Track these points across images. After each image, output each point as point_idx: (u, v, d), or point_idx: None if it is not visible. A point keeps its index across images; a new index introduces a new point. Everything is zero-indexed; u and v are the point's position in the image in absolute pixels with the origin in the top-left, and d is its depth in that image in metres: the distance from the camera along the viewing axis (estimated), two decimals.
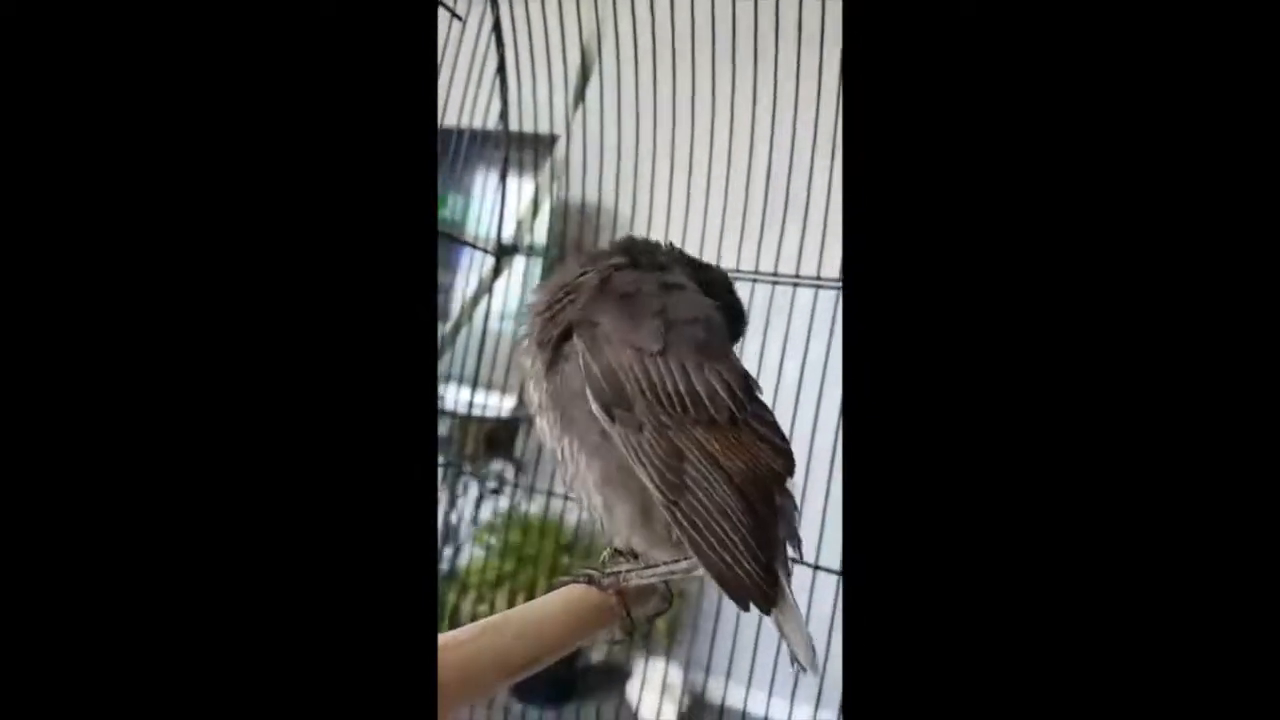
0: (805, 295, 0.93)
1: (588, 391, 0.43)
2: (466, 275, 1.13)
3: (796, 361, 0.89)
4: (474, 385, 1.17)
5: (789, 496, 0.45)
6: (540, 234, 1.25)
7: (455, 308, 1.15)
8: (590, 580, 0.45)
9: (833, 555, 0.86)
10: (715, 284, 0.51)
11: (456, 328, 1.11)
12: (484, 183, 1.13)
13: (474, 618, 0.36)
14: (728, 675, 1.26)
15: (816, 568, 0.87)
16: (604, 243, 0.55)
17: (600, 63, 1.02)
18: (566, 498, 1.06)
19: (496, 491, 1.55)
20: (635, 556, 0.48)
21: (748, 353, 0.50)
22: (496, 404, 1.51)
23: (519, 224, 1.13)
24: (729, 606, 1.10)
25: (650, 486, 0.42)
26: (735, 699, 1.28)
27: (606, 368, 0.43)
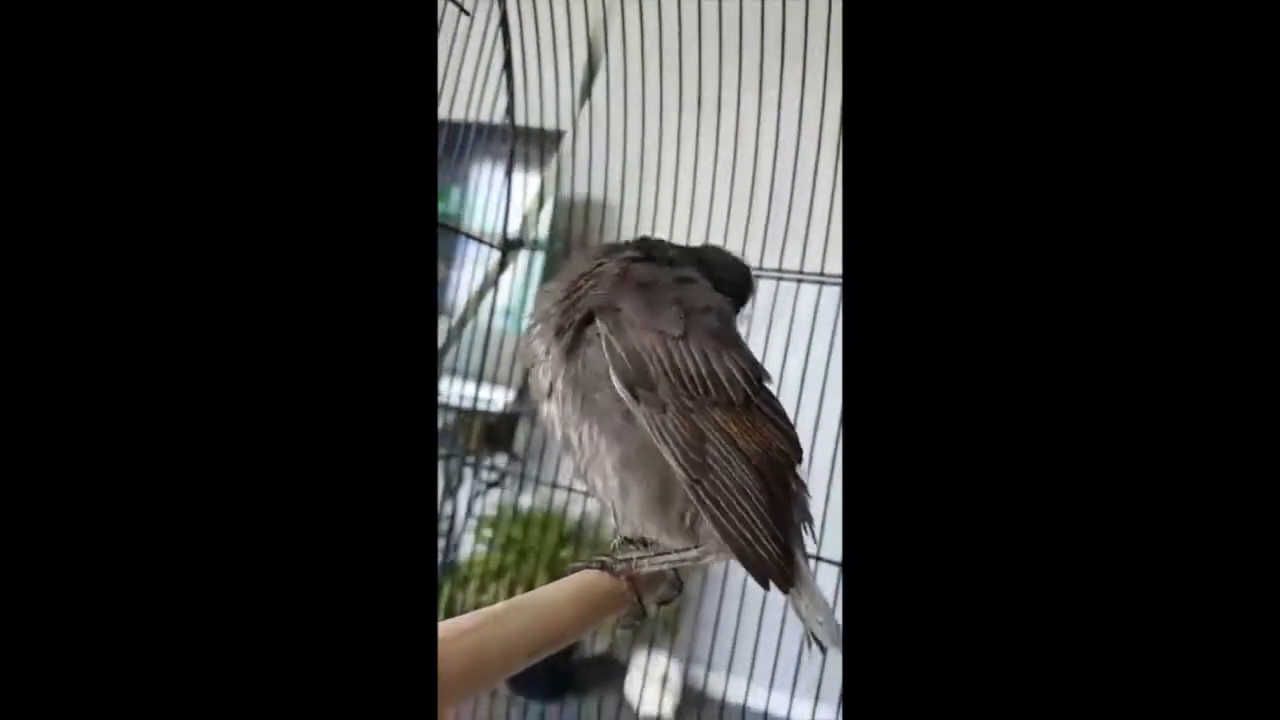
0: (808, 291, 0.94)
1: (612, 373, 0.44)
2: (471, 269, 1.13)
3: (799, 357, 0.90)
4: (478, 380, 1.18)
5: (800, 480, 0.46)
6: (545, 229, 1.26)
7: (460, 302, 1.15)
8: (603, 566, 0.46)
9: (833, 547, 0.87)
10: (711, 263, 0.53)
11: (462, 322, 1.11)
12: (489, 177, 1.13)
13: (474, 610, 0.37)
14: (728, 670, 1.27)
15: (818, 559, 0.87)
16: (609, 238, 0.57)
17: (607, 58, 1.02)
18: (570, 490, 1.07)
19: (496, 485, 1.55)
20: (645, 545, 0.49)
21: (750, 348, 0.51)
22: (499, 398, 1.52)
23: (524, 219, 1.14)
24: (729, 601, 1.10)
25: (675, 465, 0.43)
26: (735, 693, 1.29)
27: (630, 350, 0.44)
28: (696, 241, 0.58)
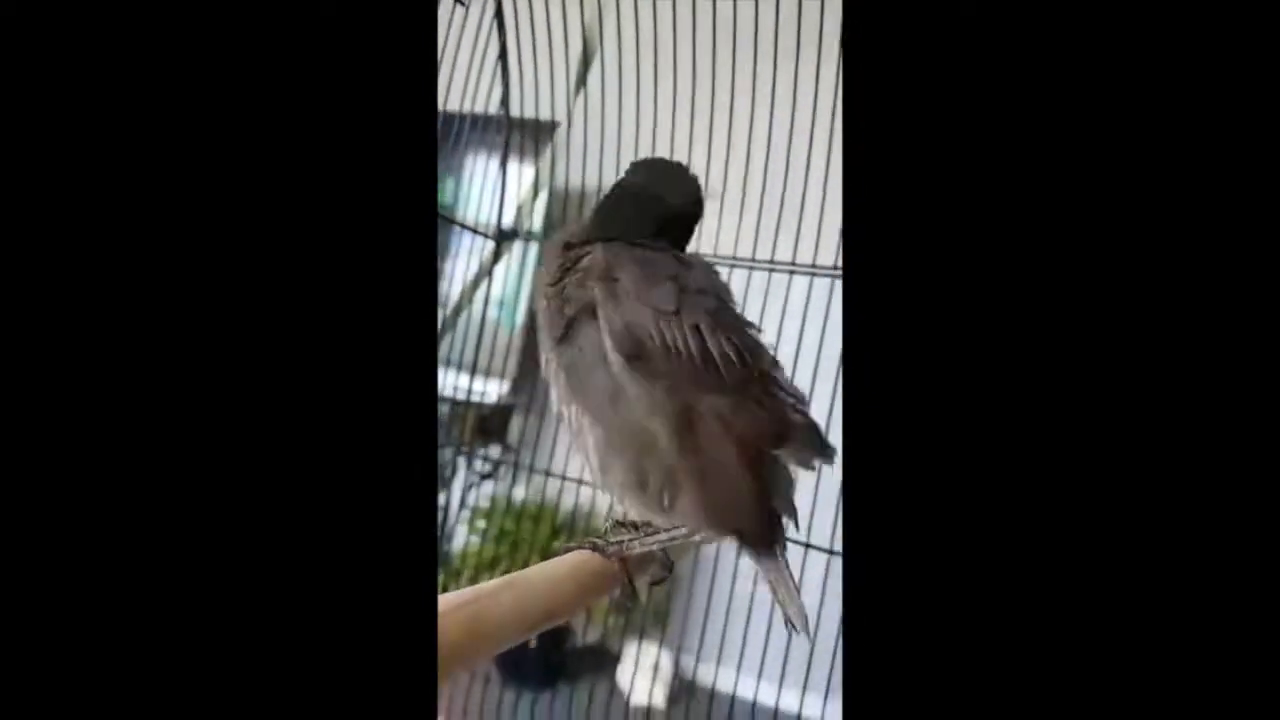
0: (800, 283, 0.95)
1: (608, 341, 0.45)
2: (466, 260, 1.13)
3: (799, 349, 0.91)
4: (472, 371, 1.18)
5: (787, 471, 0.47)
6: (539, 220, 1.26)
7: (454, 293, 1.15)
8: (595, 548, 0.47)
9: (823, 534, 0.88)
10: (651, 180, 0.53)
11: (456, 312, 1.12)
12: (484, 168, 1.14)
13: None
14: (718, 659, 1.28)
15: (808, 546, 0.88)
16: None
17: (601, 49, 1.02)
18: (563, 479, 1.07)
19: (489, 476, 1.56)
20: (636, 528, 0.50)
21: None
22: (492, 390, 1.52)
23: (518, 209, 1.14)
24: (719, 592, 1.11)
25: (662, 434, 0.44)
26: (725, 683, 1.30)
27: (627, 323, 0.45)
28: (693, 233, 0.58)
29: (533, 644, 1.54)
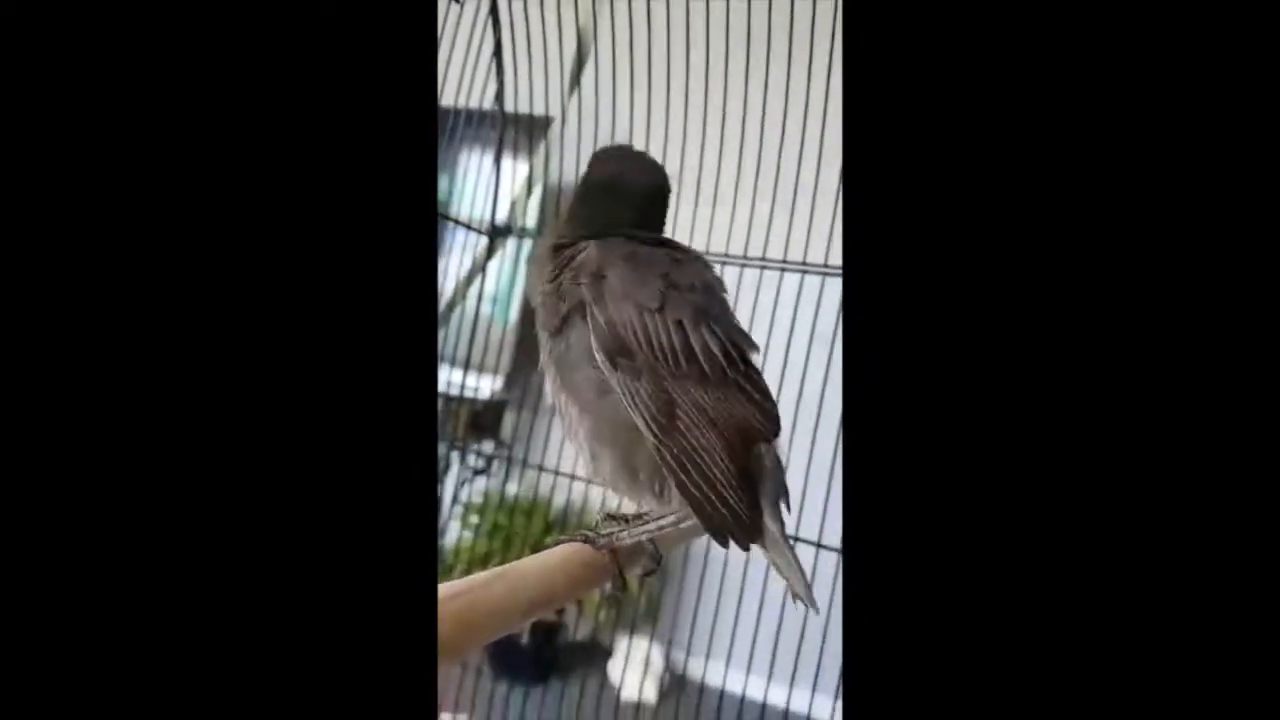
0: (792, 280, 0.96)
1: (593, 341, 0.46)
2: (459, 256, 1.14)
3: (789, 345, 0.91)
4: (465, 366, 1.19)
5: (775, 456, 0.48)
6: (533, 216, 1.26)
7: (448, 289, 1.16)
8: (586, 539, 0.47)
9: (810, 529, 0.89)
10: (620, 171, 0.53)
11: (449, 308, 1.12)
12: (478, 164, 1.14)
13: None
14: (708, 654, 1.29)
15: (820, 546, 0.90)
16: None
17: (596, 47, 1.03)
18: (556, 474, 1.08)
19: (482, 472, 1.56)
20: (628, 520, 0.51)
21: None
22: (486, 385, 1.52)
23: (512, 205, 1.15)
24: (709, 588, 1.12)
25: (644, 428, 0.45)
26: (715, 677, 1.31)
27: (610, 321, 0.46)
28: (683, 230, 0.59)
29: (524, 638, 1.54)
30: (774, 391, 0.49)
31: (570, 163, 1.11)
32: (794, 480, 0.60)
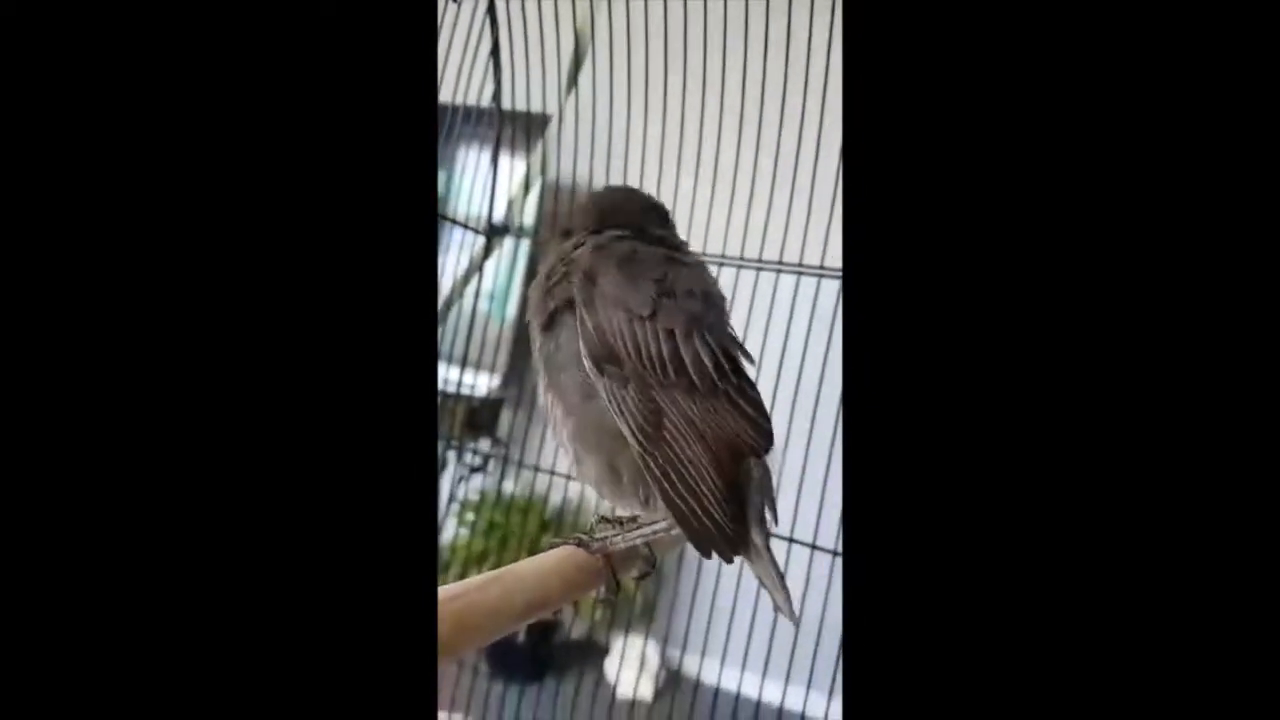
0: (788, 281, 0.96)
1: (582, 347, 0.46)
2: (456, 255, 1.14)
3: (785, 347, 0.92)
4: (462, 364, 1.19)
5: (764, 468, 0.48)
6: (530, 215, 1.26)
7: (445, 287, 1.16)
8: (580, 543, 0.48)
9: (828, 536, 0.90)
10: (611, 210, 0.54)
11: (446, 307, 1.12)
12: (475, 162, 1.14)
13: None
14: (703, 652, 1.30)
15: (814, 547, 0.90)
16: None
17: (593, 46, 1.03)
18: (552, 474, 1.08)
19: (479, 470, 1.56)
20: (622, 523, 0.51)
21: (749, 342, 0.52)
22: (482, 383, 1.53)
23: (509, 204, 1.15)
24: (705, 586, 1.12)
25: (629, 436, 0.45)
26: (710, 675, 1.32)
27: (599, 327, 0.46)
28: (680, 230, 0.59)
29: (521, 637, 1.55)
30: (769, 394, 0.49)
31: (568, 162, 1.11)
32: (789, 483, 0.60)
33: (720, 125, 0.96)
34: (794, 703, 0.99)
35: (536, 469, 1.14)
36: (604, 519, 0.53)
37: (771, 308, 0.92)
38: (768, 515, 0.48)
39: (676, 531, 0.47)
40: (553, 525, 1.52)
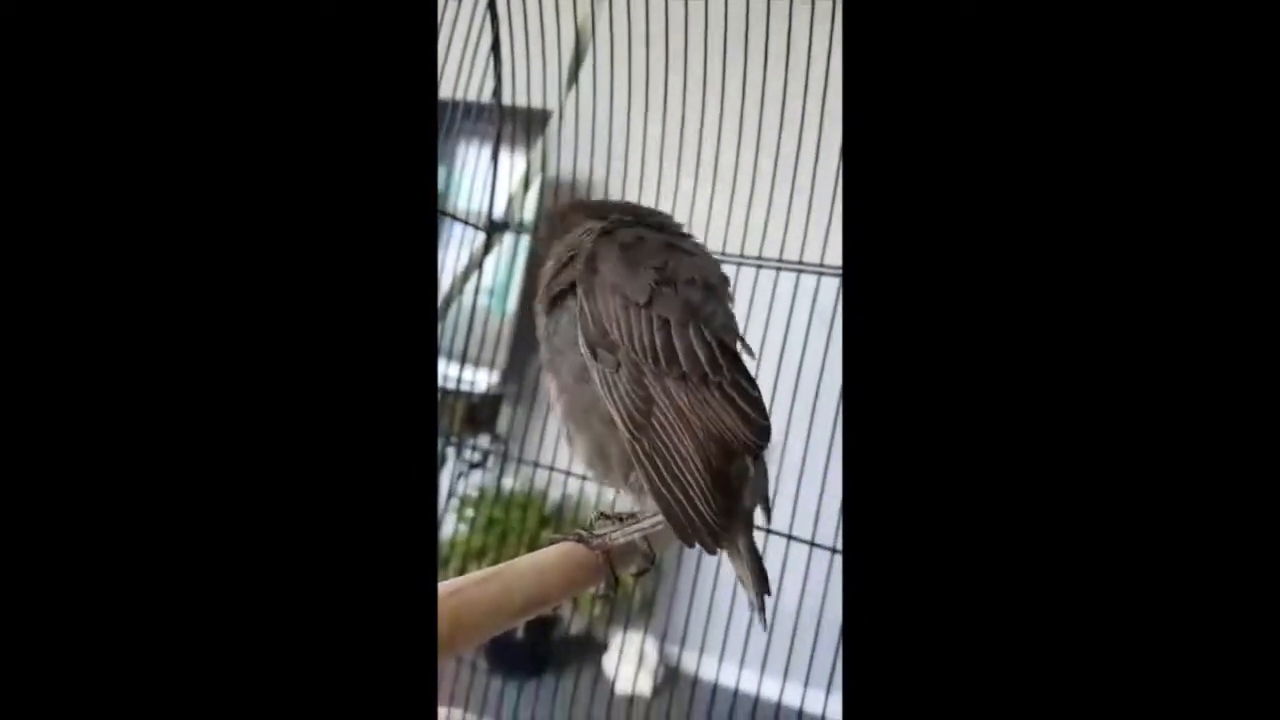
0: (789, 279, 0.96)
1: (579, 333, 0.46)
2: (456, 251, 1.14)
3: (784, 345, 0.92)
4: (462, 360, 1.19)
5: (761, 466, 0.47)
6: (530, 211, 1.26)
7: (444, 283, 1.16)
8: (580, 539, 0.48)
9: (827, 533, 0.90)
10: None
11: (447, 303, 1.12)
12: (475, 158, 1.14)
13: None
14: (702, 648, 1.30)
15: (813, 544, 0.90)
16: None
17: (594, 42, 1.03)
18: (551, 470, 1.08)
19: (478, 466, 1.57)
20: (621, 520, 0.51)
21: (750, 339, 0.52)
22: (482, 379, 1.53)
23: (509, 201, 1.15)
24: (704, 580, 1.12)
25: (618, 422, 0.45)
26: (709, 671, 1.32)
27: (596, 313, 0.46)
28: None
29: (520, 633, 1.55)
30: (769, 390, 0.48)
31: (568, 158, 1.11)
32: (788, 479, 0.60)
33: (721, 122, 0.96)
34: (792, 699, 0.99)
35: (536, 465, 1.14)
36: (604, 515, 0.53)
37: (771, 305, 0.92)
38: (759, 512, 0.48)
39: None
40: (552, 521, 1.52)
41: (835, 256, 0.65)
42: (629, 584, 0.51)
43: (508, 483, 1.55)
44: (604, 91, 1.01)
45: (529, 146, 1.15)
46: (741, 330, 0.52)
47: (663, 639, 1.65)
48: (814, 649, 0.89)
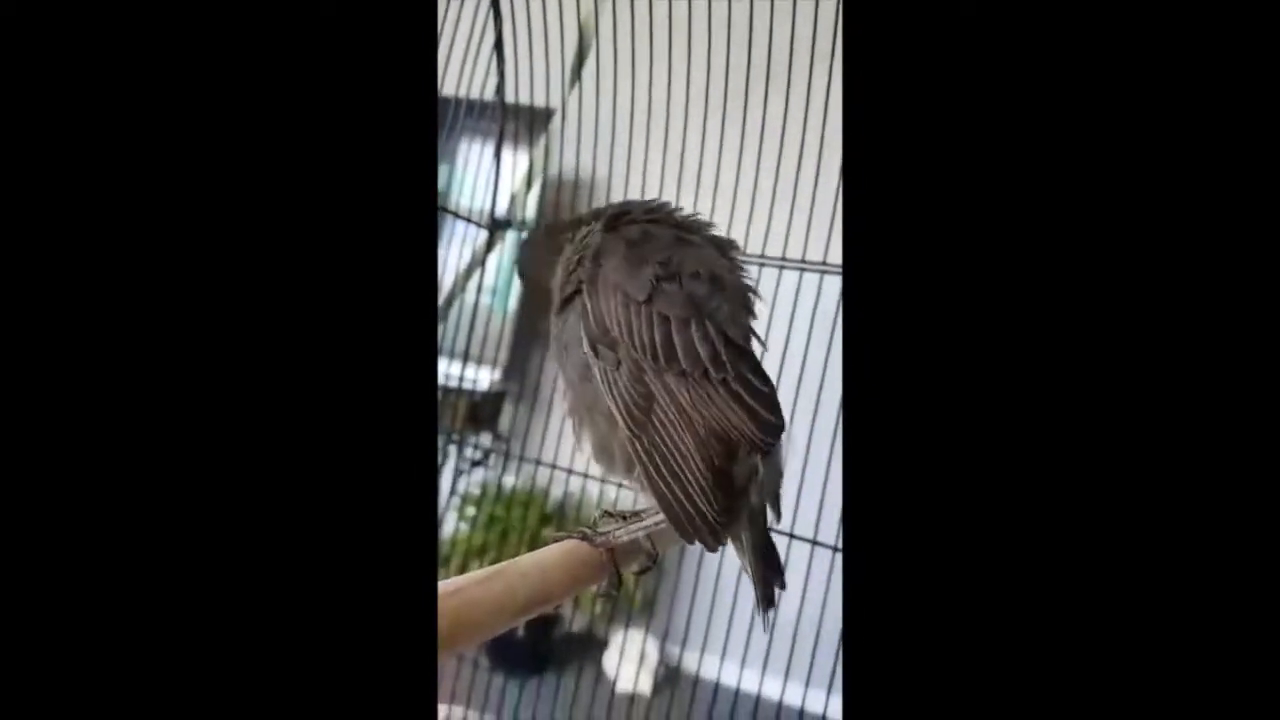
0: (792, 277, 0.96)
1: (581, 331, 0.46)
2: (459, 249, 1.14)
3: (787, 344, 0.92)
4: (464, 359, 1.19)
5: (772, 464, 0.47)
6: (533, 209, 1.26)
7: (447, 281, 1.16)
8: (584, 537, 0.48)
9: (829, 531, 0.90)
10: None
11: (449, 301, 1.12)
12: (478, 156, 1.14)
13: None
14: (703, 647, 1.30)
15: (815, 543, 0.90)
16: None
17: (597, 40, 1.02)
18: (553, 468, 1.08)
19: (480, 463, 1.57)
20: (625, 518, 0.51)
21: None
22: (484, 377, 1.53)
23: (512, 198, 1.14)
24: (705, 579, 1.12)
25: (618, 417, 0.45)
26: (710, 670, 1.32)
27: (597, 310, 0.46)
28: None
29: (521, 631, 1.55)
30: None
31: (571, 156, 1.11)
32: (790, 478, 0.60)
33: (723, 121, 0.96)
34: (793, 698, 0.99)
35: (537, 463, 1.14)
36: (607, 513, 0.53)
37: (774, 304, 0.92)
38: (769, 511, 0.47)
39: None
40: (554, 519, 1.52)
41: (838, 255, 0.65)
42: (630, 583, 0.51)
43: (509, 481, 1.55)
44: (607, 89, 1.01)
45: (532, 144, 1.15)
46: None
47: (664, 638, 1.65)
48: (815, 649, 0.89)
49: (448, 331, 1.18)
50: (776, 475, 0.47)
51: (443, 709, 1.15)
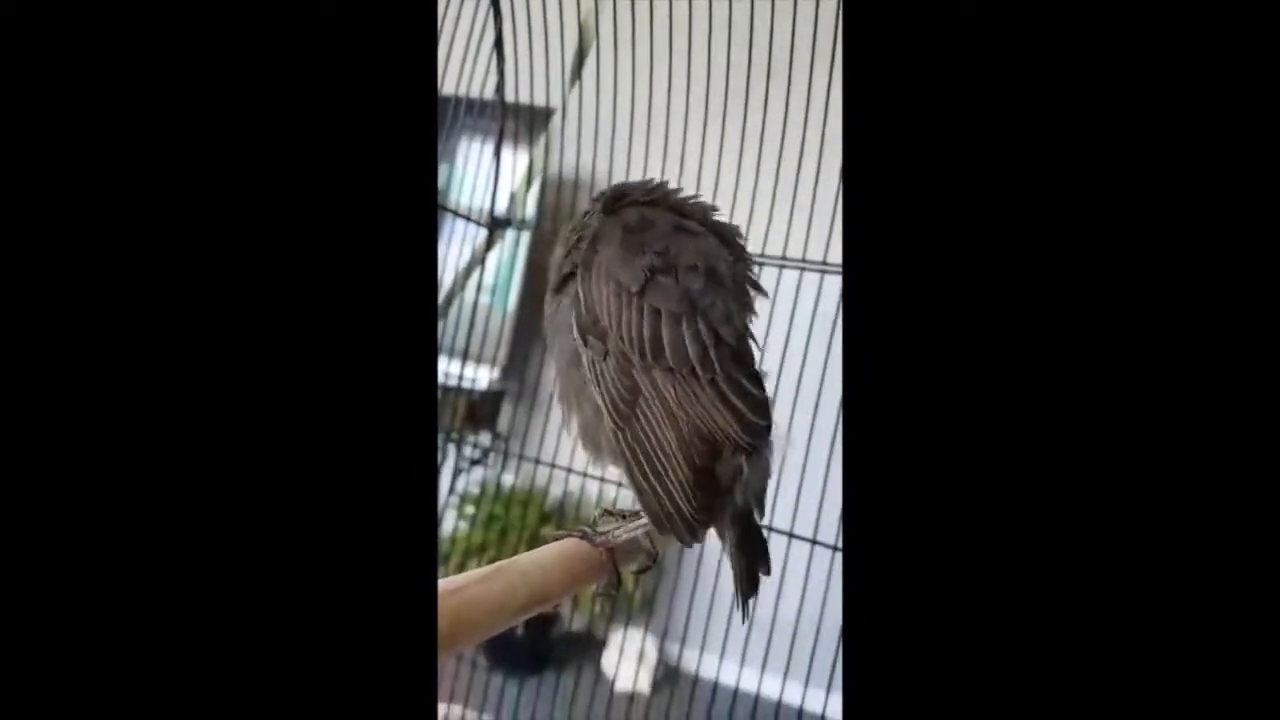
0: (792, 276, 0.96)
1: (573, 320, 0.46)
2: (459, 247, 1.14)
3: (787, 344, 0.92)
4: (463, 357, 1.19)
5: (758, 464, 0.46)
6: (532, 208, 1.26)
7: (446, 280, 1.16)
8: (584, 536, 0.47)
9: (828, 531, 0.90)
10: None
11: (449, 300, 1.12)
12: (478, 155, 1.13)
13: None
14: (702, 646, 1.30)
15: (814, 542, 0.90)
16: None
17: (597, 38, 1.02)
18: (552, 466, 1.08)
19: (479, 462, 1.57)
20: (624, 517, 0.51)
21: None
22: (483, 376, 1.53)
23: (512, 197, 1.14)
24: (705, 578, 1.12)
25: (603, 408, 0.45)
26: (709, 669, 1.32)
27: (589, 299, 0.45)
28: None
29: (520, 630, 1.55)
30: (770, 389, 0.46)
31: (571, 155, 1.11)
32: (790, 478, 0.60)
33: (724, 120, 0.96)
34: (792, 697, 0.99)
35: (536, 461, 1.14)
36: (607, 512, 0.53)
37: (774, 303, 0.92)
38: (755, 512, 0.46)
39: None
40: (553, 517, 1.52)
41: (838, 255, 0.65)
42: (629, 581, 0.51)
43: (508, 479, 1.55)
44: (607, 88, 1.01)
45: (531, 143, 1.14)
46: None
47: (663, 637, 1.65)
48: (814, 648, 0.89)
49: (447, 330, 1.18)
50: (763, 476, 0.46)
51: (442, 708, 1.15)
